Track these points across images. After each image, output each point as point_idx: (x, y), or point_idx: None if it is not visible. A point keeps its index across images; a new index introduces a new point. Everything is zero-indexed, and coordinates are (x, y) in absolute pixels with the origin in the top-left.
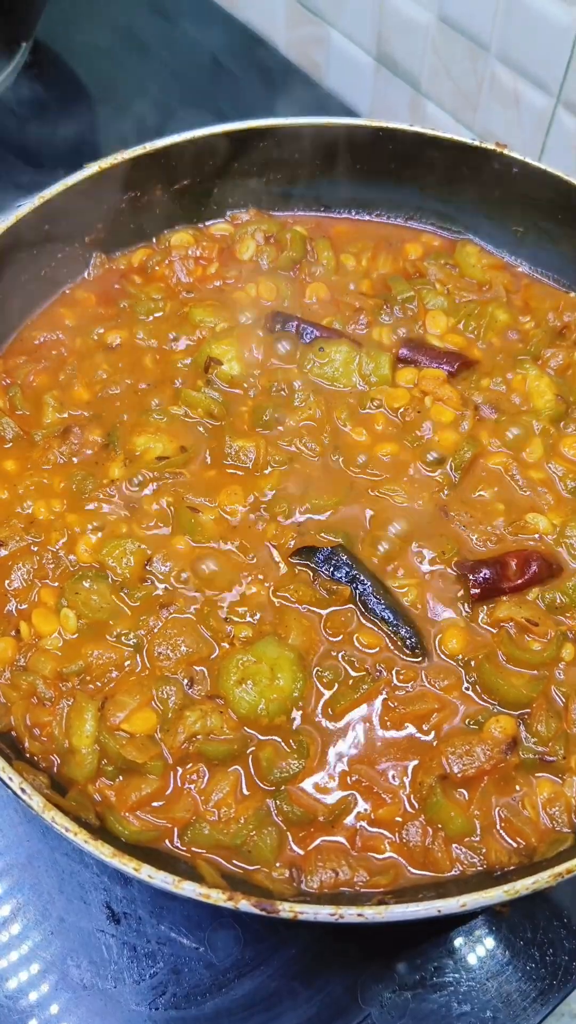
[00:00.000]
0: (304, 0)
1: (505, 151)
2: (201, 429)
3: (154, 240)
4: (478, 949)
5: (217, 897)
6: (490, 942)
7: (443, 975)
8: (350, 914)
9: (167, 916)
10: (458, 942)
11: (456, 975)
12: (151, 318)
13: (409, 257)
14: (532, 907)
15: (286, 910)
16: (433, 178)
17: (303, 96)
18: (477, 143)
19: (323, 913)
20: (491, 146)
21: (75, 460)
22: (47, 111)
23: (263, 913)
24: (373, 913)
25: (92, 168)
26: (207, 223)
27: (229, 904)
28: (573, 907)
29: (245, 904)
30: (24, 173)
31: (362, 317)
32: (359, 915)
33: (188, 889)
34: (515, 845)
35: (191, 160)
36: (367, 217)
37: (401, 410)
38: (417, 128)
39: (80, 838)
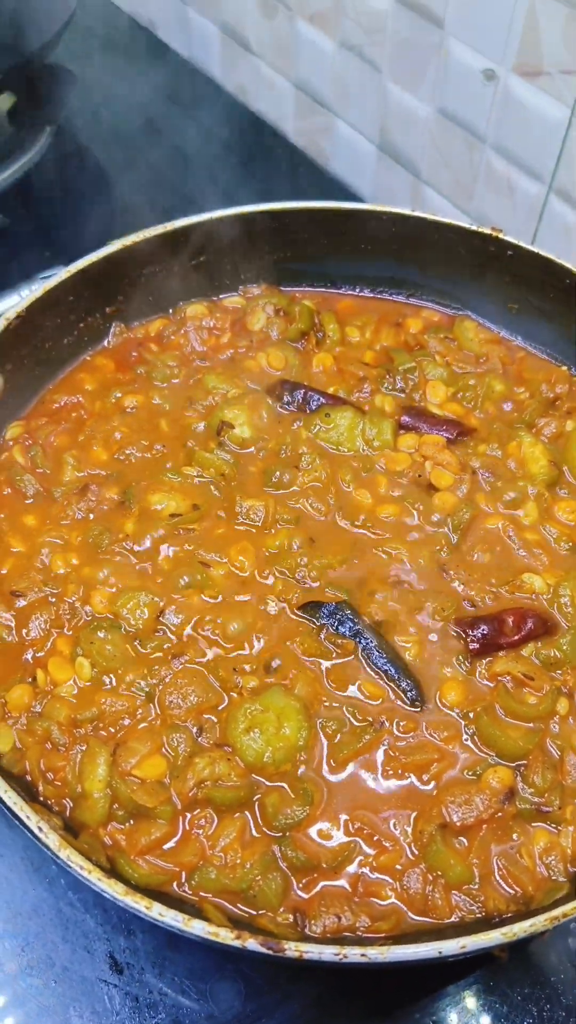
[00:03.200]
0: (312, 92)
1: (500, 235)
2: (213, 488)
3: (171, 311)
4: (475, 1004)
5: (225, 936)
6: (488, 998)
7: None
8: (354, 954)
9: (170, 967)
10: (457, 996)
11: None
12: (166, 384)
13: (410, 331)
14: (529, 961)
15: (292, 950)
16: (433, 259)
17: (310, 181)
18: (475, 227)
19: (327, 952)
20: (487, 230)
21: (92, 516)
22: (69, 193)
23: (269, 952)
24: (376, 953)
25: (115, 245)
26: (221, 296)
27: (237, 943)
28: (569, 962)
29: (252, 943)
30: (47, 249)
31: (366, 386)
32: (363, 955)
33: (197, 927)
34: (512, 893)
35: (207, 239)
36: (371, 294)
37: (403, 474)
38: (418, 213)
39: (94, 876)
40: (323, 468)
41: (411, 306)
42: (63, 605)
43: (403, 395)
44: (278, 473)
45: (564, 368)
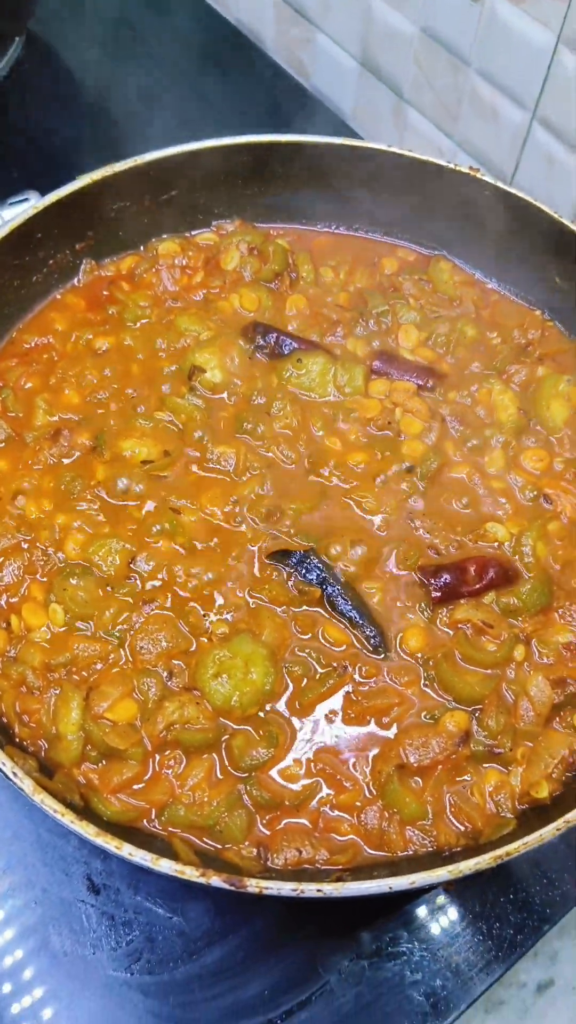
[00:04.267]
0: (293, 2)
1: (478, 174)
2: (184, 433)
3: (142, 248)
4: (431, 922)
5: (191, 874)
6: (442, 916)
7: (398, 945)
8: (310, 890)
9: (143, 888)
10: (413, 915)
11: (410, 946)
12: (138, 325)
13: (385, 272)
14: (481, 883)
15: (253, 886)
16: (410, 196)
17: (289, 97)
18: (452, 166)
19: (286, 889)
20: (465, 169)
21: (64, 461)
22: (40, 106)
23: (232, 888)
24: (331, 889)
25: (84, 180)
26: (194, 232)
27: (202, 880)
28: (519, 884)
29: (216, 880)
30: (16, 169)
31: (339, 329)
32: (318, 891)
33: (165, 866)
34: (463, 828)
35: (179, 173)
36: (347, 231)
37: (373, 421)
38: (395, 149)
39: (67, 819)
40: (294, 415)
41: (387, 245)
42: (36, 551)
43: (376, 340)
44: (249, 419)
45: (537, 313)
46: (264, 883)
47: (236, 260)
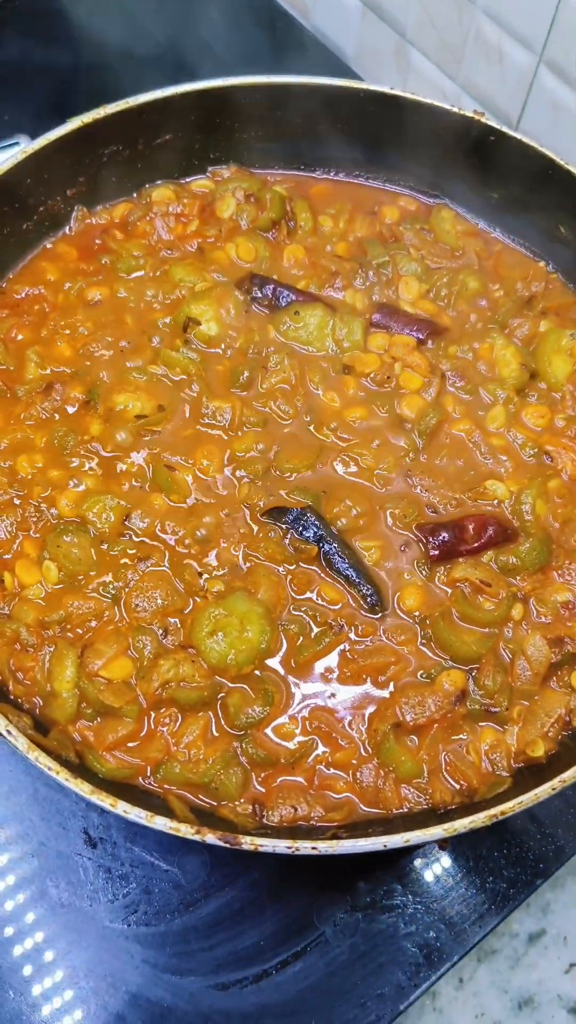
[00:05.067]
0: None
1: (483, 118)
2: (179, 389)
3: (135, 195)
4: (426, 875)
5: (186, 831)
6: (437, 869)
7: (392, 898)
8: (305, 847)
9: (140, 841)
10: (407, 869)
11: (404, 899)
12: (132, 276)
13: (386, 221)
14: (475, 838)
15: (247, 843)
16: (412, 141)
17: (289, 36)
18: (456, 110)
19: (280, 846)
20: (469, 113)
21: (57, 416)
22: (30, 46)
23: (227, 845)
24: (326, 847)
25: (75, 123)
26: (188, 179)
27: (197, 837)
28: (513, 839)
29: (211, 838)
30: (6, 112)
31: (337, 281)
32: (313, 848)
33: (160, 823)
34: (458, 787)
35: (173, 115)
36: (346, 178)
37: (372, 376)
38: (398, 92)
39: (62, 776)
40: (291, 369)
41: (388, 192)
42: (29, 508)
43: (376, 291)
44: (245, 373)
45: (542, 264)
46: (259, 840)
47: (232, 208)
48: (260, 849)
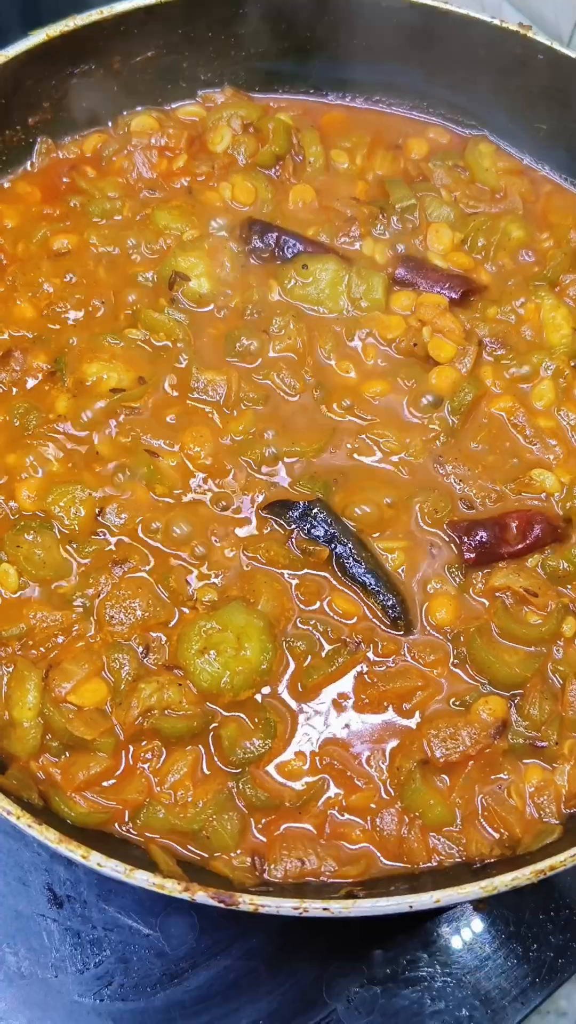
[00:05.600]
0: None
1: (529, 33)
2: (164, 357)
3: (111, 124)
4: (456, 942)
5: (172, 888)
6: (469, 935)
7: (416, 969)
8: (315, 908)
9: (115, 900)
10: (435, 934)
11: (431, 969)
12: (106, 221)
13: (412, 156)
14: (517, 898)
15: (246, 903)
16: (444, 61)
17: None
18: (497, 22)
19: (286, 907)
20: (514, 27)
21: (15, 391)
22: None
23: (221, 905)
24: (340, 907)
25: (38, 36)
26: (174, 105)
27: (185, 896)
28: (561, 899)
29: (203, 896)
30: None
31: (354, 228)
32: (324, 909)
33: (141, 879)
34: (497, 836)
35: (157, 27)
36: (364, 104)
37: (395, 342)
38: (429, 1)
39: (23, 822)
40: (298, 334)
41: (415, 122)
42: None
43: (400, 242)
44: (243, 339)
45: None
46: (260, 899)
47: (227, 140)
48: (261, 910)
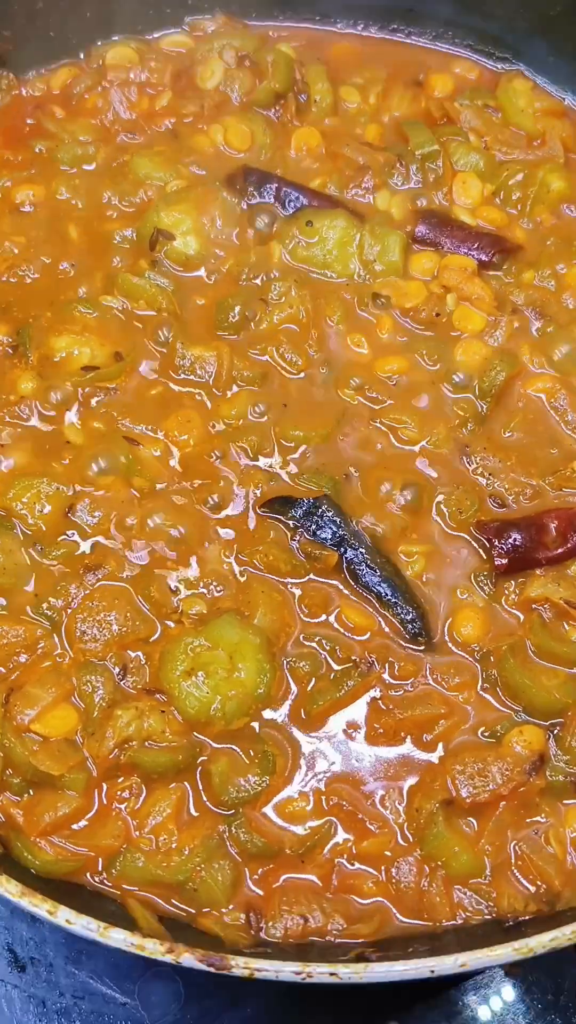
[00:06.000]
0: None
1: None
2: (144, 329)
3: (83, 56)
4: (484, 1013)
5: (154, 949)
6: (500, 1005)
7: None
8: (320, 973)
9: (87, 963)
10: (459, 1003)
11: None
12: (77, 169)
13: (435, 94)
14: (556, 961)
15: (240, 966)
16: None
17: None
18: None
19: (286, 971)
20: None
21: None
22: None
23: (211, 969)
24: (349, 972)
25: None
26: (157, 34)
27: (169, 958)
28: None
29: (189, 958)
30: None
31: (367, 178)
32: (331, 974)
33: (117, 938)
34: (534, 890)
35: None
36: (380, 33)
37: (415, 312)
38: None
39: None
40: (302, 302)
41: (439, 54)
42: None
43: (421, 193)
44: (237, 308)
45: None
46: (256, 963)
47: (219, 74)
48: (258, 975)
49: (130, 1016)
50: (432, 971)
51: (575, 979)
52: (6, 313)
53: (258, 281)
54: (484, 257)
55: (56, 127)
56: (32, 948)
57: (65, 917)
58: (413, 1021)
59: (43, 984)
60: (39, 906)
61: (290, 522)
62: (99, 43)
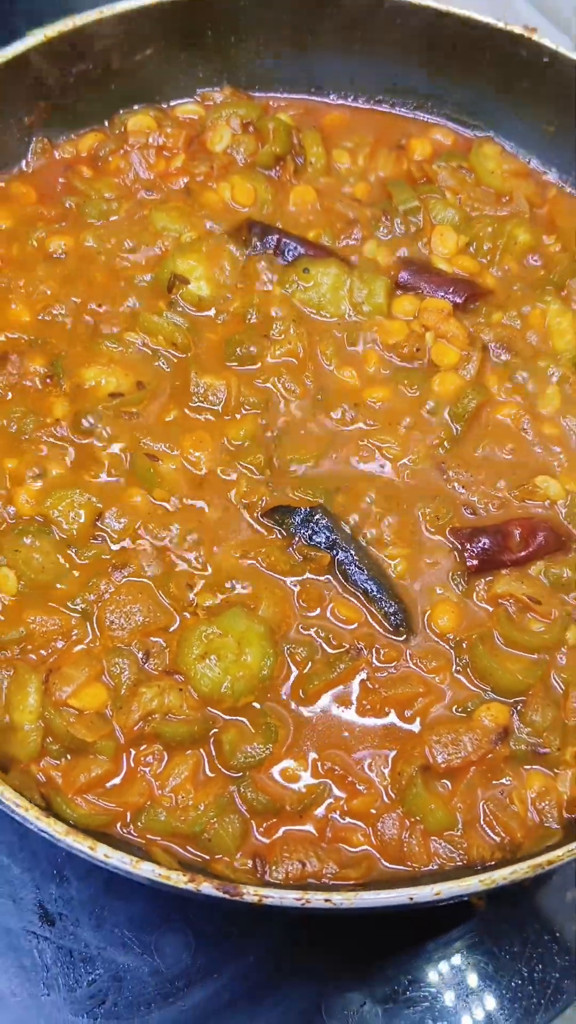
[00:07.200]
0: None
1: (534, 37)
2: (162, 362)
3: (107, 123)
4: (459, 961)
5: (177, 879)
6: (473, 955)
7: (418, 989)
8: (317, 899)
9: (109, 918)
10: (437, 953)
11: (433, 990)
12: (103, 222)
13: (415, 157)
14: (521, 918)
15: (250, 894)
16: (448, 62)
17: None
18: (501, 25)
19: (288, 898)
20: (519, 30)
21: (10, 395)
22: None
23: (225, 896)
24: (341, 899)
25: (36, 36)
26: (172, 103)
27: (190, 886)
28: (565, 919)
29: (207, 887)
30: None
31: (356, 231)
32: (327, 900)
33: (146, 870)
34: (499, 840)
35: (155, 26)
36: (367, 104)
37: (398, 348)
38: (430, 2)
39: (32, 814)
40: (299, 339)
41: (418, 122)
42: None
43: (403, 245)
44: (243, 344)
45: None
46: (264, 891)
47: (226, 139)
48: (265, 901)
49: (146, 964)
50: (411, 898)
51: (536, 934)
52: (42, 347)
53: (261, 320)
54: (458, 300)
55: (84, 185)
56: (60, 905)
57: (103, 852)
58: (392, 968)
59: (70, 936)
60: (81, 843)
61: (289, 528)
62: (121, 112)
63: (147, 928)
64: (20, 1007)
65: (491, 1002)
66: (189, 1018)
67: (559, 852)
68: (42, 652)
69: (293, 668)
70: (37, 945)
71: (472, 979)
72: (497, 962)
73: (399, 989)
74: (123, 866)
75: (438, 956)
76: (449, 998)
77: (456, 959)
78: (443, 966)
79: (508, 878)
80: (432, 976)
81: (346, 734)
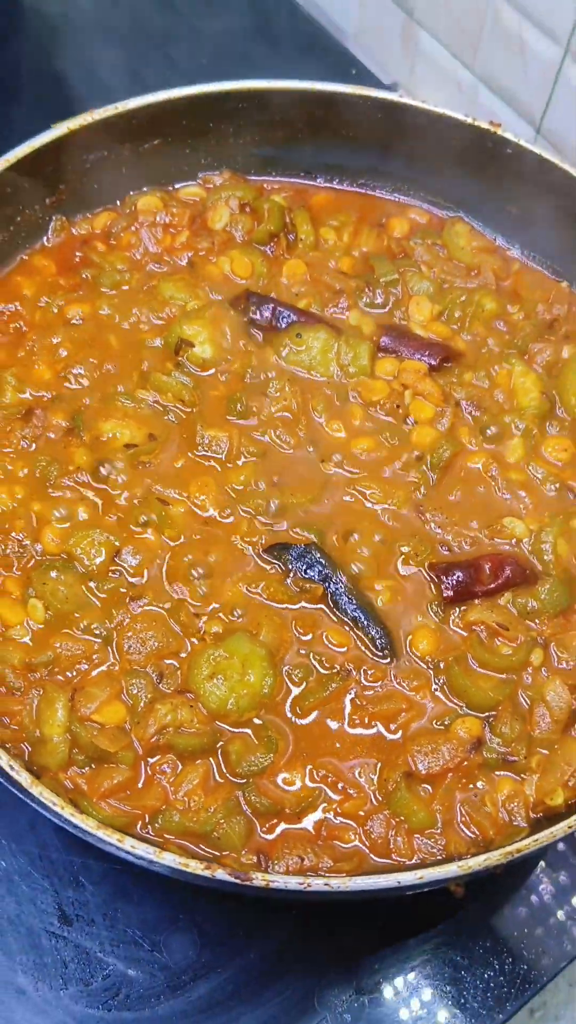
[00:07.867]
0: None
1: (499, 131)
2: (171, 416)
3: (119, 203)
4: (438, 953)
5: (195, 867)
6: (450, 949)
7: (400, 980)
8: (317, 884)
9: (121, 919)
10: (416, 948)
11: (412, 981)
12: (116, 291)
13: (394, 234)
14: (493, 919)
15: (259, 879)
16: (422, 151)
17: (279, 13)
18: (469, 120)
19: (292, 882)
20: (485, 125)
21: (33, 446)
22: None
23: (237, 881)
24: (338, 883)
25: (60, 129)
26: (177, 186)
27: (207, 873)
28: (539, 918)
29: (221, 873)
30: None
31: (342, 300)
32: (326, 884)
33: (168, 859)
34: (473, 836)
35: (164, 120)
36: (351, 187)
37: (380, 404)
38: (406, 100)
39: (67, 811)
40: (293, 396)
41: (397, 203)
42: (11, 543)
43: (384, 312)
44: (243, 400)
45: (564, 285)
46: (270, 876)
47: (225, 218)
48: (272, 885)
49: (155, 960)
50: (398, 882)
51: (507, 931)
52: (63, 403)
53: (259, 379)
54: (433, 362)
55: (99, 259)
56: (77, 908)
57: (130, 844)
58: (377, 961)
59: (86, 935)
60: (111, 836)
61: (286, 563)
62: (132, 193)
63: (157, 928)
64: (41, 1000)
65: (466, 992)
66: (195, 1008)
67: (526, 841)
68: (68, 673)
69: (291, 687)
70: (55, 944)
71: (449, 970)
72: (471, 956)
73: (382, 981)
74: (147, 856)
75: (418, 951)
76: (428, 988)
77: (436, 952)
78: (423, 960)
79: (483, 864)
80: (410, 968)
81: (338, 745)
